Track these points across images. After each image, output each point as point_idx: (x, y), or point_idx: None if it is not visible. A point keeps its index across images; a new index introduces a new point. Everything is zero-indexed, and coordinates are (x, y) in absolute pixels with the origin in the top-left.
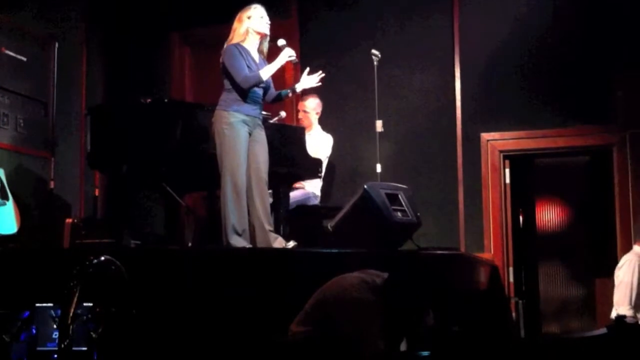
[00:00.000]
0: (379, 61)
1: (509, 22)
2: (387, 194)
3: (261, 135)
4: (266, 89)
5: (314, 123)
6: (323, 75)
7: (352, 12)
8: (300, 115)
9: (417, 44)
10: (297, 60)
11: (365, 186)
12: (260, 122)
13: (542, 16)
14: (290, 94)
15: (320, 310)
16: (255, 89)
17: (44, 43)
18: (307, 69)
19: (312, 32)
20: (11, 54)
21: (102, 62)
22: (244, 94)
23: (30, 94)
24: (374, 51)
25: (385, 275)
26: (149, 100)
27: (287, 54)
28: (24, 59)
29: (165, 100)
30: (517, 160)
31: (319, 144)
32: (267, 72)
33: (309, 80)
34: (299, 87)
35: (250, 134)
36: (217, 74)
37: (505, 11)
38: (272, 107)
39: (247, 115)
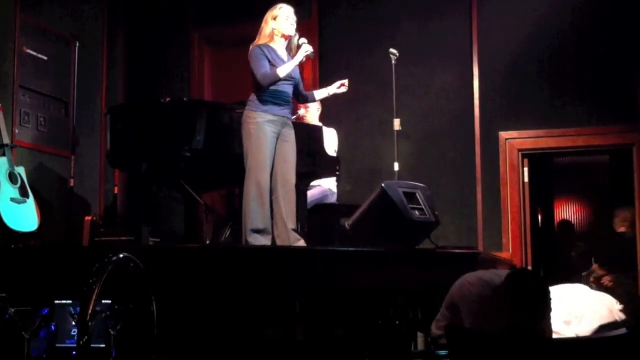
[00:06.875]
0: (397, 60)
1: (527, 20)
2: (405, 193)
3: (290, 135)
4: (296, 87)
5: (316, 120)
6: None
7: (371, 12)
8: (302, 112)
9: (436, 43)
10: (313, 54)
11: (383, 185)
12: (289, 122)
13: (562, 14)
14: (327, 94)
15: (451, 309)
16: (284, 88)
17: (65, 43)
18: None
19: (331, 31)
20: (33, 53)
21: (123, 62)
22: (272, 94)
23: (51, 93)
24: (392, 50)
25: (503, 274)
26: (168, 99)
27: (305, 50)
28: (45, 58)
29: (185, 100)
30: (536, 159)
31: (327, 139)
32: (284, 70)
33: (340, 88)
34: (331, 91)
35: (278, 135)
36: (237, 74)
37: (524, 10)
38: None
39: (275, 115)
